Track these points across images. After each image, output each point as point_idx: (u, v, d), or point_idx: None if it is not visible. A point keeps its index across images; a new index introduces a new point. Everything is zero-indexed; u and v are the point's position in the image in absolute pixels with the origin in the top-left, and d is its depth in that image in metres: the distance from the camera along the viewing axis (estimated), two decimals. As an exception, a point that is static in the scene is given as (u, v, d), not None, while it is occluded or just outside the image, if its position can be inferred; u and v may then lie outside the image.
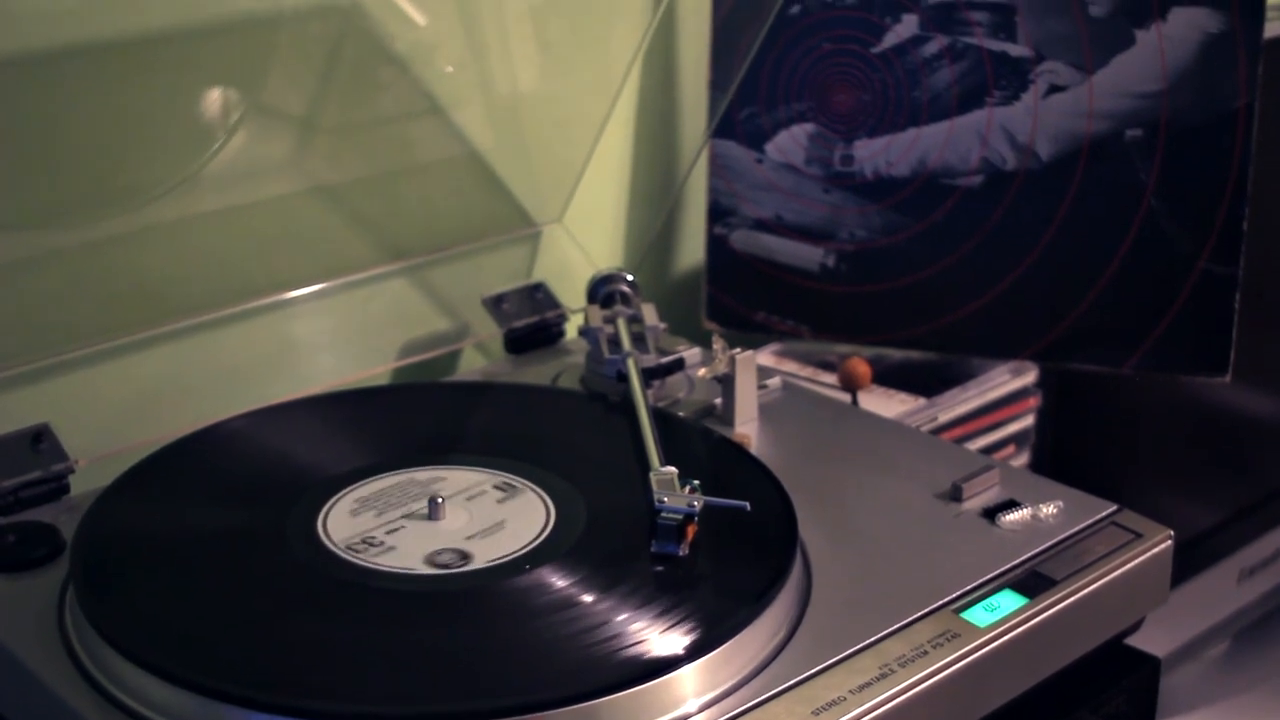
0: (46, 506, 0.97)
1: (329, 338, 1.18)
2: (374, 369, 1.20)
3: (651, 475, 0.90)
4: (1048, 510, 0.95)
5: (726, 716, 0.77)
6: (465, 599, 0.83)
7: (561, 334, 1.24)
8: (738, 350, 1.07)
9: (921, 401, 1.26)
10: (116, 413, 1.08)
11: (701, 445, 1.01)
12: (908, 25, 1.22)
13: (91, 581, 0.84)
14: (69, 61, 0.99)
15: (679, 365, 1.13)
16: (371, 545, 0.87)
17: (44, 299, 1.04)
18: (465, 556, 0.86)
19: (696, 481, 0.89)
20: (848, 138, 1.25)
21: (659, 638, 0.79)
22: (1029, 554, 0.91)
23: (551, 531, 0.89)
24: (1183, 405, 1.41)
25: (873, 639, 0.83)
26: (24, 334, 1.03)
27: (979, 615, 0.85)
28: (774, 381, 1.12)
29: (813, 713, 0.78)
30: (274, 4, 1.08)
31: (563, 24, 1.24)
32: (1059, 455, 1.33)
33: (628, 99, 1.33)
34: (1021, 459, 1.32)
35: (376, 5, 1.13)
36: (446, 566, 0.86)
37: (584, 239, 1.30)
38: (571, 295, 1.24)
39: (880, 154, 1.24)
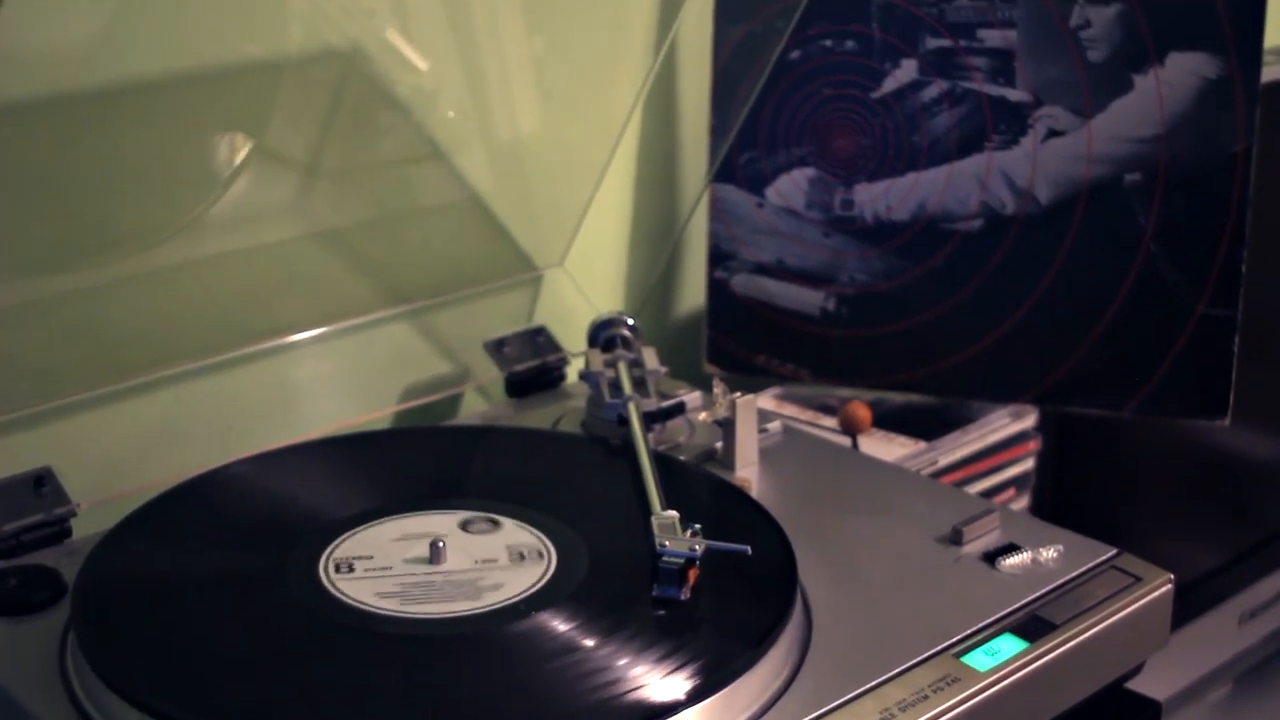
0: (48, 550, 0.97)
1: (330, 382, 1.18)
2: (375, 413, 1.20)
3: (653, 519, 0.90)
4: (1048, 554, 0.95)
5: (728, 761, 0.78)
6: (467, 643, 0.83)
7: (562, 378, 1.24)
8: (738, 394, 1.07)
9: (922, 445, 1.26)
10: (119, 456, 1.08)
11: (702, 489, 1.01)
12: (907, 70, 1.22)
13: (93, 625, 0.84)
14: (72, 107, 1.00)
15: (680, 409, 1.13)
16: (373, 589, 0.87)
17: (47, 343, 1.04)
18: (466, 601, 0.87)
19: (698, 525, 0.89)
20: (848, 182, 1.25)
21: (660, 682, 0.79)
22: (1029, 598, 0.91)
23: (553, 576, 0.89)
24: (1182, 448, 1.41)
25: (873, 683, 0.83)
26: (27, 378, 1.03)
27: (979, 659, 0.85)
28: (774, 425, 1.12)
29: (814, 757, 0.78)
30: (276, 49, 1.08)
31: (564, 69, 1.25)
32: (1059, 499, 1.33)
33: (629, 144, 1.34)
34: (1021, 502, 1.32)
35: (378, 50, 1.13)
36: (448, 611, 0.86)
37: (585, 283, 1.31)
38: (572, 339, 1.24)
39: (880, 198, 1.24)
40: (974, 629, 0.88)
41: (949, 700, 0.82)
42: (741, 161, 1.28)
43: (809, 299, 1.27)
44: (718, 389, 1.08)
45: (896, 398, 1.31)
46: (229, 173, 1.08)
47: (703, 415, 1.10)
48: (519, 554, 0.91)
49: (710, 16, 1.26)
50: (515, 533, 0.94)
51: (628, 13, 1.28)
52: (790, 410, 1.31)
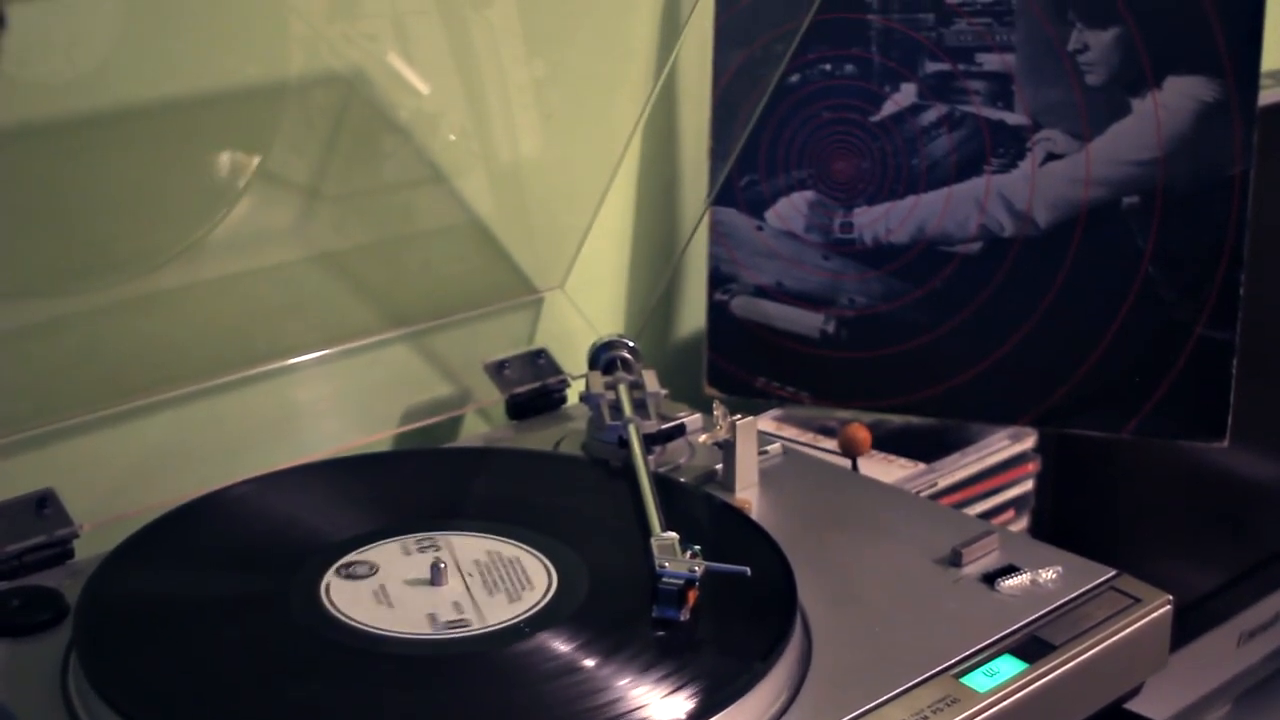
0: (51, 571, 0.97)
1: (332, 404, 1.18)
2: (376, 435, 1.20)
3: (653, 541, 0.91)
4: (1047, 575, 0.95)
5: (727, 781, 0.78)
6: (468, 664, 0.83)
7: (563, 400, 1.24)
8: (738, 416, 1.07)
9: (921, 467, 1.26)
10: (121, 478, 1.08)
11: (702, 510, 1.01)
12: (906, 94, 1.23)
13: (95, 646, 0.84)
14: (74, 130, 1.00)
15: (680, 431, 1.13)
16: (374, 610, 0.88)
17: (49, 365, 1.05)
18: (467, 622, 0.87)
19: (697, 547, 0.89)
20: (847, 205, 1.26)
21: (660, 703, 0.79)
22: (1028, 619, 0.91)
23: (554, 597, 0.89)
24: (1181, 469, 1.41)
25: (873, 704, 0.83)
26: (29, 400, 1.03)
27: (979, 680, 0.86)
28: (774, 447, 1.13)
29: (813, 778, 0.78)
30: (279, 73, 1.09)
31: (565, 93, 1.25)
32: (1058, 520, 1.34)
33: (629, 167, 1.34)
34: (1020, 524, 1.32)
35: (380, 74, 1.14)
36: (449, 632, 0.86)
37: (585, 305, 1.31)
38: (573, 361, 1.24)
39: (879, 221, 1.25)
40: (973, 650, 0.88)
41: (948, 721, 0.83)
42: (741, 184, 1.28)
43: (809, 321, 1.28)
44: (718, 411, 1.08)
45: (896, 420, 1.31)
46: (231, 196, 1.09)
47: (703, 437, 1.10)
48: (520, 575, 0.92)
49: (710, 41, 1.27)
50: (516, 554, 0.94)
51: (629, 37, 1.29)
52: (790, 432, 1.32)
